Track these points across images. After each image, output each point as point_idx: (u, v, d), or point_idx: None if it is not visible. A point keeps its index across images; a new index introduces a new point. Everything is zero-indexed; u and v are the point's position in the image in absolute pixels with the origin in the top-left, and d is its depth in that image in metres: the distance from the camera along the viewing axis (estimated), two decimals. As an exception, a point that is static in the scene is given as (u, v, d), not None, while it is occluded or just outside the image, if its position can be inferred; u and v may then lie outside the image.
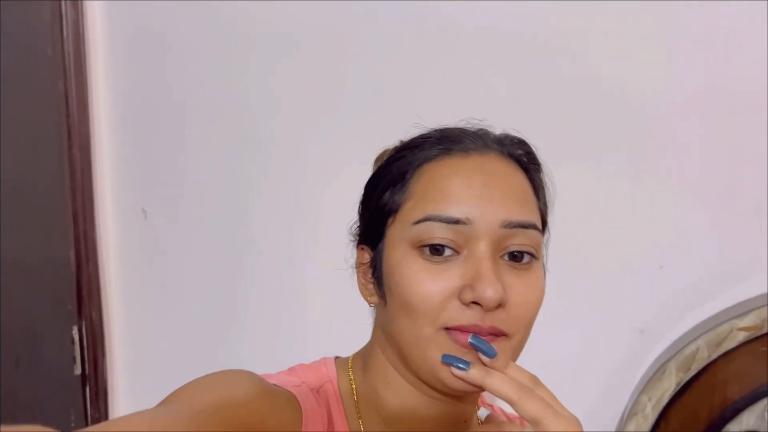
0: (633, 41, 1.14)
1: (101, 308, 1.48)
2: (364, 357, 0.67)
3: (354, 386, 0.65)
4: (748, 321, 1.08)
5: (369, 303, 0.65)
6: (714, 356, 1.11)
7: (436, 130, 0.66)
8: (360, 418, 0.63)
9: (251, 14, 1.35)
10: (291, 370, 0.66)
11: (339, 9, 1.27)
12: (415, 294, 0.58)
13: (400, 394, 0.63)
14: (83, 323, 1.45)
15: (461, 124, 0.67)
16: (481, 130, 0.66)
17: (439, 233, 0.58)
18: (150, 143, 1.46)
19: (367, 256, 0.65)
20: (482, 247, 0.58)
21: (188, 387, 0.56)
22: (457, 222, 0.58)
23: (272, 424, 0.55)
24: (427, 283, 0.58)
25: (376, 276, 0.63)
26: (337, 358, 0.69)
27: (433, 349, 0.58)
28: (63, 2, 1.38)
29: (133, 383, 1.50)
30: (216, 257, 1.45)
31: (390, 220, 0.62)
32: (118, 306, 1.51)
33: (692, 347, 1.12)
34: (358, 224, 0.68)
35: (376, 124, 1.18)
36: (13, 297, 1.37)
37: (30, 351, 1.40)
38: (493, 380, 0.55)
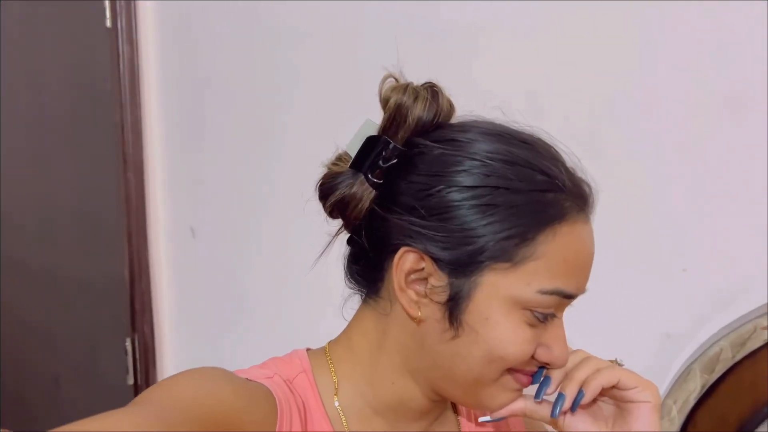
0: (653, 40, 1.16)
1: (152, 322, 1.58)
2: (359, 350, 0.64)
3: (335, 377, 0.63)
4: (771, 320, 1.07)
5: (411, 316, 0.59)
6: (738, 357, 1.10)
7: (543, 158, 0.59)
8: (340, 408, 0.63)
9: (290, 55, 1.45)
10: (263, 364, 0.64)
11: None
12: (512, 353, 0.58)
13: (402, 391, 0.63)
14: (136, 336, 1.55)
15: (555, 144, 0.62)
16: (566, 165, 0.61)
17: (555, 304, 0.58)
18: (197, 167, 1.57)
19: (419, 265, 0.58)
20: (563, 312, 0.61)
21: (158, 387, 0.55)
22: (571, 297, 0.59)
23: (247, 419, 0.55)
24: (529, 347, 0.59)
25: (451, 305, 0.58)
26: (308, 349, 0.67)
27: (492, 387, 0.60)
28: (120, 41, 1.52)
29: (181, 394, 1.58)
30: (260, 272, 1.53)
31: (502, 265, 0.57)
32: (168, 319, 1.60)
33: (716, 348, 1.11)
34: (416, 219, 0.58)
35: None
36: (74, 311, 1.49)
37: (87, 361, 1.51)
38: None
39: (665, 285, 1.19)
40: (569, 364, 0.62)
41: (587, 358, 0.63)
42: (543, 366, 0.62)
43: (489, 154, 0.58)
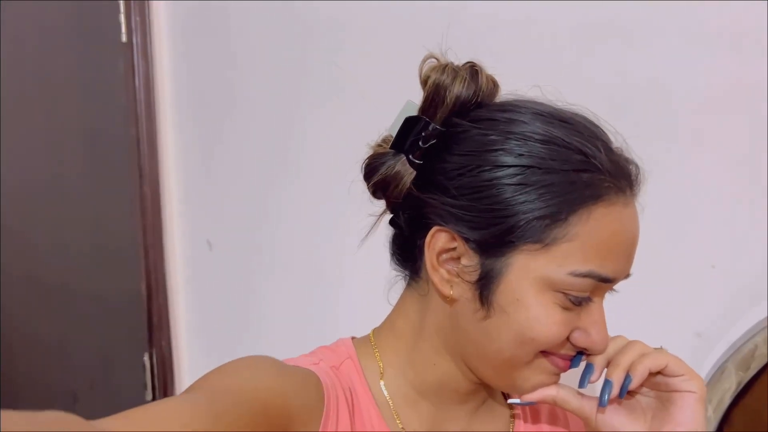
0: (667, 39, 1.16)
1: (170, 337, 1.56)
2: (402, 334, 0.64)
3: (381, 362, 0.64)
4: (806, 313, 1.05)
5: (444, 294, 0.59)
6: (774, 353, 1.07)
7: (583, 138, 0.57)
8: (386, 392, 0.63)
9: (308, 68, 1.45)
10: (311, 352, 0.66)
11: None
12: (543, 334, 0.57)
13: (442, 372, 0.63)
14: (154, 351, 1.53)
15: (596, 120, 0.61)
16: (610, 145, 0.59)
17: (590, 288, 0.57)
18: (214, 180, 1.57)
19: (451, 244, 0.58)
20: (603, 297, 0.60)
21: (208, 376, 0.56)
22: (608, 281, 0.57)
23: (295, 404, 0.56)
24: (562, 329, 0.57)
25: (484, 286, 0.58)
26: (353, 338, 0.68)
27: (526, 369, 0.59)
28: (135, 56, 1.53)
29: (200, 410, 1.56)
30: (277, 285, 1.51)
31: (533, 246, 0.56)
32: (186, 334, 1.58)
33: (750, 345, 1.09)
34: (449, 199, 0.58)
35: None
36: (90, 326, 1.47)
37: (104, 376, 1.49)
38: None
39: (694, 283, 1.18)
40: (611, 350, 0.60)
41: (631, 343, 0.61)
42: (581, 352, 0.61)
43: (525, 134, 0.57)
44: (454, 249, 0.59)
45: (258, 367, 0.57)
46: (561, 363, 0.60)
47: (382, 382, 0.63)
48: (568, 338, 0.59)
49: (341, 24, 1.40)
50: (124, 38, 1.52)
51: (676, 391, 0.60)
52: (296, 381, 0.57)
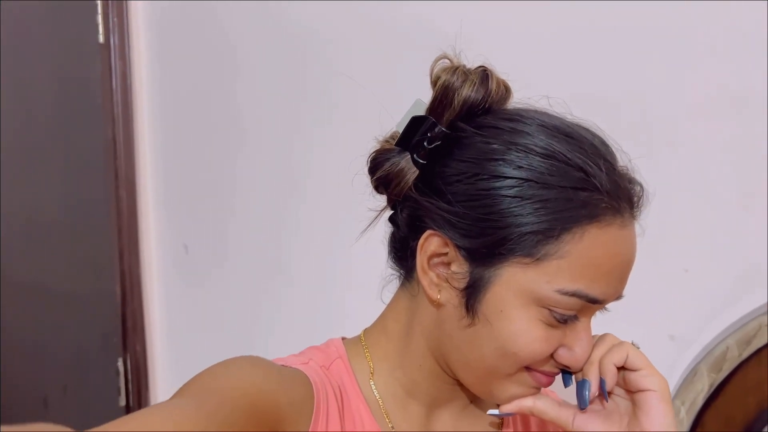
0: (647, 43, 1.18)
1: (145, 341, 1.54)
2: (392, 336, 0.64)
3: (371, 362, 0.64)
4: (776, 316, 1.07)
5: (432, 298, 0.59)
6: (745, 355, 1.09)
7: (586, 155, 0.56)
8: (376, 392, 0.63)
9: (284, 70, 1.45)
10: (300, 352, 0.66)
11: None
12: (524, 350, 0.57)
13: (429, 374, 0.63)
14: (128, 356, 1.51)
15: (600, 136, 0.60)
16: (612, 163, 0.58)
17: (576, 307, 0.56)
18: (191, 183, 1.56)
19: (443, 249, 0.58)
20: (591, 316, 0.59)
21: (198, 377, 0.56)
22: (596, 302, 0.57)
23: (285, 402, 0.55)
24: (544, 346, 0.57)
25: (468, 293, 0.58)
26: (343, 338, 0.68)
27: (507, 382, 0.59)
28: (113, 57, 1.52)
29: (174, 415, 1.54)
30: (255, 289, 1.51)
31: (523, 259, 0.55)
32: (161, 339, 1.57)
33: (722, 347, 1.11)
34: (443, 204, 0.58)
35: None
36: (63, 329, 1.45)
37: (77, 381, 1.46)
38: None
39: (667, 287, 1.19)
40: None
41: (602, 337, 0.61)
42: (564, 368, 0.60)
43: (527, 146, 0.56)
44: (445, 254, 0.58)
45: (247, 367, 0.56)
46: (544, 379, 0.60)
47: (372, 382, 0.63)
48: (552, 355, 0.58)
49: (317, 24, 1.40)
50: (101, 39, 1.51)
51: (639, 390, 0.59)
52: (286, 380, 0.57)
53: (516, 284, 0.56)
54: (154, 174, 1.58)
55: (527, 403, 0.60)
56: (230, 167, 1.52)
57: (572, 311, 0.56)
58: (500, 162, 0.56)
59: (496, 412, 0.61)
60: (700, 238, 1.18)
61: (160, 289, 1.57)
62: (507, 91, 0.61)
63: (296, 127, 1.45)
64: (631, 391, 0.60)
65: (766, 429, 1.09)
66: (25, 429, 0.39)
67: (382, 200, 0.66)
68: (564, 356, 0.58)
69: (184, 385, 0.55)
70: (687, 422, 1.12)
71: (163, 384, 1.56)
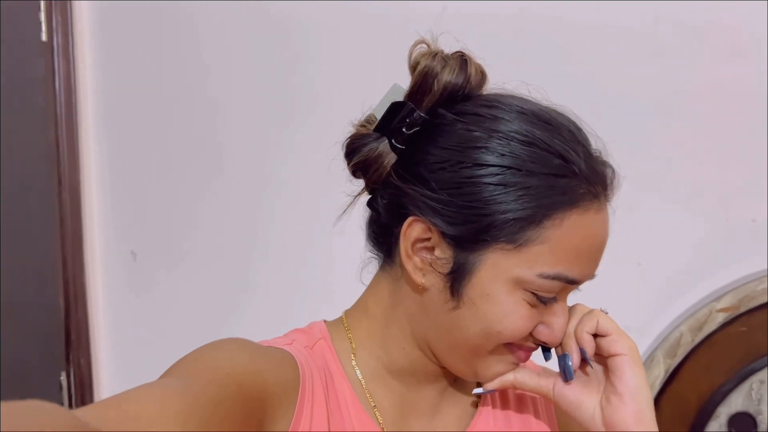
0: (624, 40, 1.24)
1: (90, 354, 1.47)
2: (374, 317, 0.65)
3: (353, 343, 0.65)
4: (725, 302, 1.15)
5: (416, 282, 0.60)
6: (697, 340, 1.17)
7: (565, 141, 0.58)
8: (358, 371, 0.64)
9: (231, 70, 1.44)
10: (284, 335, 0.66)
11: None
12: (508, 329, 0.59)
13: (410, 356, 0.65)
14: (71, 369, 1.43)
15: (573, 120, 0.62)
16: (589, 149, 0.61)
17: (557, 289, 0.58)
18: (138, 187, 1.50)
19: (426, 234, 0.59)
20: (567, 297, 0.61)
21: (182, 360, 0.56)
22: (574, 283, 0.59)
23: (271, 381, 0.56)
24: (527, 324, 0.59)
25: (453, 277, 0.59)
26: (325, 321, 0.68)
27: (488, 358, 0.61)
28: (56, 56, 1.45)
29: (122, 431, 1.47)
30: (205, 297, 1.47)
31: (506, 245, 0.57)
32: (107, 351, 1.49)
33: (676, 334, 1.18)
34: (426, 191, 0.59)
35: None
36: (2, 341, 1.36)
37: (17, 396, 1.36)
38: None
39: (622, 280, 1.26)
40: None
41: (573, 308, 0.63)
42: (542, 343, 0.63)
43: (508, 133, 0.58)
44: (428, 239, 0.59)
45: (233, 349, 0.57)
46: (523, 355, 0.62)
47: (354, 362, 0.64)
48: (531, 331, 0.61)
49: (263, 22, 1.40)
50: (44, 37, 1.44)
51: (610, 356, 0.61)
52: (270, 360, 0.58)
53: (500, 269, 0.57)
54: (100, 178, 1.52)
55: (509, 377, 0.62)
56: (180, 169, 1.48)
57: (552, 293, 0.59)
58: (483, 150, 0.57)
59: (480, 390, 0.64)
60: (652, 233, 1.25)
61: (106, 298, 1.50)
62: (483, 76, 0.62)
63: (244, 123, 1.44)
64: (604, 356, 0.63)
65: (718, 409, 1.17)
66: (8, 407, 0.37)
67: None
68: (543, 333, 0.61)
69: (170, 367, 0.55)
70: (646, 407, 1.18)
71: (109, 398, 1.48)
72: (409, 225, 0.59)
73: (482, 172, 0.57)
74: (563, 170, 0.57)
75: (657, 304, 1.24)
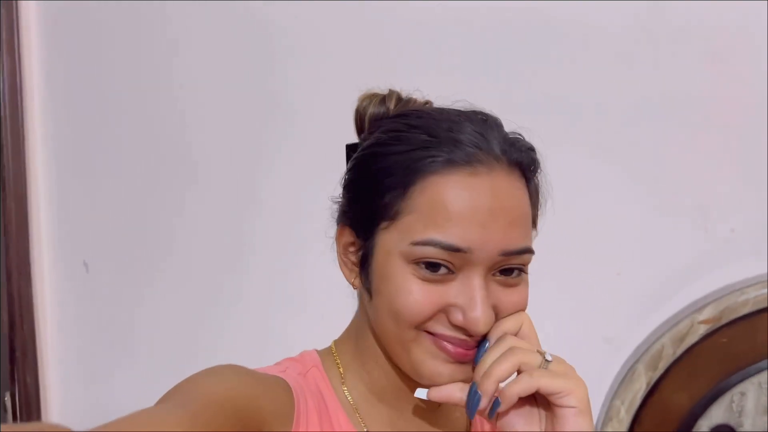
0: (597, 42, 1.21)
1: (37, 372, 1.37)
2: (352, 338, 0.68)
3: (341, 369, 0.67)
4: (706, 313, 1.13)
5: (350, 283, 0.65)
6: (679, 352, 1.15)
7: (441, 122, 0.60)
8: (349, 396, 0.66)
9: (191, 70, 1.36)
10: (276, 363, 0.67)
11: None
12: (404, 306, 0.59)
13: (387, 372, 0.65)
14: (17, 389, 1.34)
15: (462, 105, 0.64)
16: (487, 126, 0.61)
17: (437, 255, 0.58)
18: (90, 193, 1.41)
19: (351, 238, 0.64)
20: (478, 274, 0.58)
21: (178, 386, 0.56)
22: (458, 250, 0.57)
23: (266, 407, 0.57)
24: (419, 299, 0.58)
25: (363, 269, 0.63)
26: (316, 350, 0.70)
27: (415, 349, 0.60)
28: (2, 55, 1.35)
29: (72, 454, 1.37)
30: (161, 310, 1.38)
31: (385, 223, 0.60)
32: (56, 369, 1.39)
33: (657, 346, 1.16)
34: (343, 200, 0.66)
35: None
36: (-62, 363, 1.25)
37: (-43, 421, 1.26)
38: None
39: (600, 290, 1.23)
40: (496, 354, 0.58)
41: (510, 351, 0.58)
42: (467, 334, 0.59)
43: (387, 130, 0.63)
44: (353, 243, 0.64)
45: (226, 374, 0.58)
46: (450, 348, 0.59)
47: (344, 387, 0.66)
48: (447, 317, 0.59)
49: (216, 21, 1.33)
50: (-11, 33, 1.34)
51: (556, 406, 0.58)
52: (267, 386, 0.60)
53: (386, 247, 0.60)
54: (48, 184, 1.41)
55: (456, 394, 0.60)
56: (133, 175, 1.39)
57: (441, 260, 0.58)
58: (364, 149, 0.64)
59: (423, 393, 0.61)
60: (631, 244, 1.23)
61: (54, 313, 1.40)
62: (400, 100, 0.68)
63: (202, 128, 1.36)
64: (546, 404, 0.59)
65: (699, 422, 1.15)
66: (24, 428, 0.39)
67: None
68: (455, 316, 0.58)
69: (165, 394, 0.55)
70: (627, 420, 1.16)
71: (59, 420, 1.38)
72: (337, 232, 0.66)
73: (361, 167, 0.64)
74: (427, 143, 0.60)
75: (636, 314, 1.22)
